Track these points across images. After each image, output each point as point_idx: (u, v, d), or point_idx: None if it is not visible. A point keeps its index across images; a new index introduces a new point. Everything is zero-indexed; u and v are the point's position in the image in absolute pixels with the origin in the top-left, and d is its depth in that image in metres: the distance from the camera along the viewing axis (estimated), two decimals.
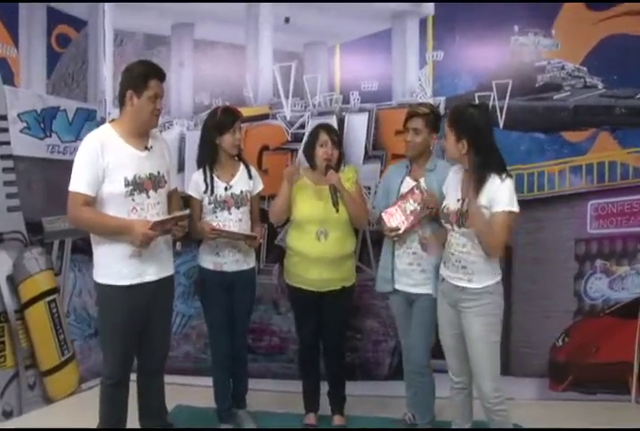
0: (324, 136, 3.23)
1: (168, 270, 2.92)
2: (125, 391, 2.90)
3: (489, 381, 2.73)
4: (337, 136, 3.30)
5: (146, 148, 2.79)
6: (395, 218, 3.04)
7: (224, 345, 3.31)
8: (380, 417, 3.56)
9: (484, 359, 2.73)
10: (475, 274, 2.70)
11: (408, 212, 2.99)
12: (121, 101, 2.76)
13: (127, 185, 2.69)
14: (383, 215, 3.11)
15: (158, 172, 2.81)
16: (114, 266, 2.74)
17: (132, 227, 2.65)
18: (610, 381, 3.79)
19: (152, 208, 2.77)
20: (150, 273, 2.79)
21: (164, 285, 2.88)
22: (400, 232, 3.03)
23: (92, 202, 2.67)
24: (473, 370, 2.79)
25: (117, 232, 2.68)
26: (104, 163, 2.65)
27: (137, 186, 2.72)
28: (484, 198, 2.63)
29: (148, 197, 2.76)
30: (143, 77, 2.70)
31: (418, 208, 2.96)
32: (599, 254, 3.74)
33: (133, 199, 2.71)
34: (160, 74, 2.76)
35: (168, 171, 2.91)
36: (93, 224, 2.71)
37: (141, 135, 2.80)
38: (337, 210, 3.11)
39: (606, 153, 3.66)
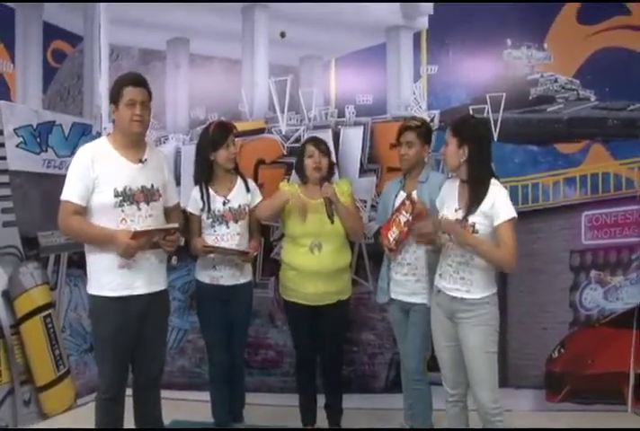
0: (309, 148, 3.25)
1: (160, 285, 2.90)
2: (120, 406, 2.89)
3: (488, 391, 2.73)
4: (324, 145, 3.31)
5: (140, 161, 2.80)
6: (393, 231, 3.05)
7: (221, 359, 3.29)
8: (377, 430, 3.55)
9: (483, 370, 2.73)
10: (474, 284, 2.71)
11: (402, 224, 3.00)
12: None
13: (116, 196, 2.70)
14: (382, 230, 3.14)
15: (152, 186, 2.81)
16: (104, 277, 2.74)
17: (114, 237, 2.66)
18: (606, 391, 3.79)
19: (143, 221, 2.76)
20: (139, 285, 2.78)
21: (157, 299, 2.87)
22: (392, 246, 3.06)
23: (82, 212, 2.70)
24: (471, 381, 2.78)
25: (100, 241, 2.70)
26: (94, 174, 2.68)
27: (128, 197, 2.73)
28: (486, 206, 2.66)
29: (139, 209, 2.76)
30: (117, 88, 2.76)
31: (410, 218, 2.96)
32: (593, 265, 3.76)
33: (123, 210, 2.72)
34: (134, 81, 2.77)
35: (165, 185, 2.91)
36: (79, 232, 2.74)
37: (133, 146, 2.81)
38: (332, 222, 3.13)
39: (599, 164, 3.69)
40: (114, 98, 2.75)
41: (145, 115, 2.77)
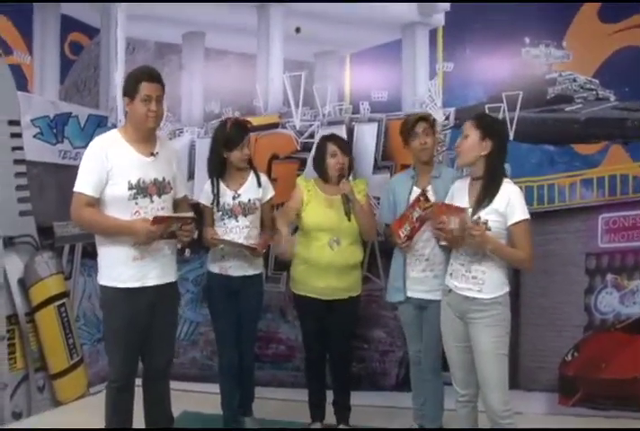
0: (332, 147, 3.23)
1: (171, 276, 2.92)
2: (130, 396, 2.92)
3: (498, 393, 2.69)
4: (345, 143, 3.31)
5: (152, 154, 2.82)
6: (405, 228, 3.01)
7: (230, 351, 3.31)
8: (386, 428, 3.54)
9: (493, 371, 2.69)
10: (486, 284, 2.68)
11: (414, 219, 2.97)
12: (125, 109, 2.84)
13: (130, 188, 2.72)
14: (392, 226, 3.10)
15: (163, 178, 2.83)
16: (117, 268, 2.76)
17: (133, 226, 2.68)
18: (621, 397, 3.70)
19: (155, 213, 2.77)
20: (152, 277, 2.80)
21: (167, 290, 2.89)
22: (402, 240, 3.02)
23: (95, 203, 2.72)
24: (481, 383, 2.74)
25: (117, 232, 2.72)
26: (109, 166, 2.69)
27: (141, 190, 2.75)
28: (499, 204, 2.64)
29: (152, 201, 2.78)
30: (133, 82, 2.75)
31: (423, 214, 2.92)
32: (609, 268, 3.67)
33: (136, 203, 2.74)
34: (150, 76, 2.76)
35: (175, 178, 2.93)
36: (93, 223, 2.76)
37: (145, 139, 2.82)
38: (349, 219, 3.12)
39: (617, 166, 3.60)
40: (129, 92, 2.75)
41: (159, 110, 2.78)
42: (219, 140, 3.25)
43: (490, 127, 2.71)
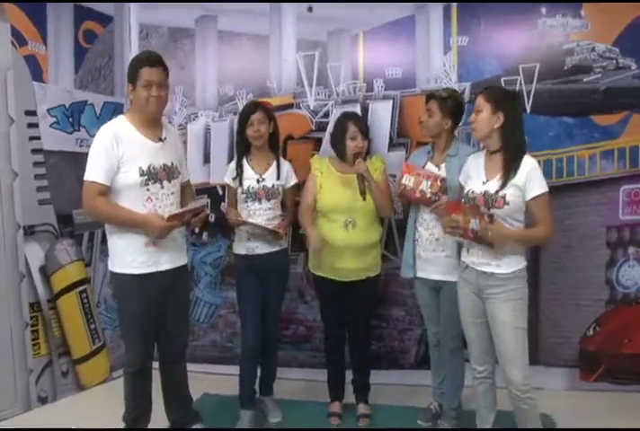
0: (353, 128, 3.20)
1: (182, 259, 2.97)
2: (147, 379, 2.96)
3: (519, 368, 2.69)
4: (366, 126, 3.29)
5: (160, 139, 2.84)
6: (410, 180, 3.02)
7: (255, 333, 3.31)
8: (406, 406, 3.54)
9: (514, 346, 2.69)
10: (504, 259, 2.67)
11: (420, 187, 2.99)
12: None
13: (142, 175, 2.73)
14: (405, 166, 3.13)
15: (172, 163, 2.86)
16: (129, 255, 2.78)
17: (147, 222, 2.70)
18: None
19: (166, 198, 2.81)
20: (164, 261, 2.84)
21: (179, 273, 2.93)
22: (402, 187, 3.06)
23: (106, 192, 2.72)
24: (500, 358, 2.74)
25: (131, 225, 2.74)
26: (119, 154, 2.69)
27: (152, 176, 2.76)
28: (519, 178, 2.62)
29: (162, 187, 2.80)
30: (134, 68, 2.76)
31: (428, 194, 2.97)
32: (631, 241, 3.61)
33: (148, 189, 2.76)
34: (150, 61, 2.76)
35: (181, 162, 2.96)
36: (107, 214, 2.76)
37: (151, 125, 2.83)
38: (364, 198, 3.11)
39: (639, 136, 3.53)
40: (131, 78, 2.76)
41: (162, 94, 2.78)
42: (238, 120, 3.33)
43: (501, 99, 2.68)
